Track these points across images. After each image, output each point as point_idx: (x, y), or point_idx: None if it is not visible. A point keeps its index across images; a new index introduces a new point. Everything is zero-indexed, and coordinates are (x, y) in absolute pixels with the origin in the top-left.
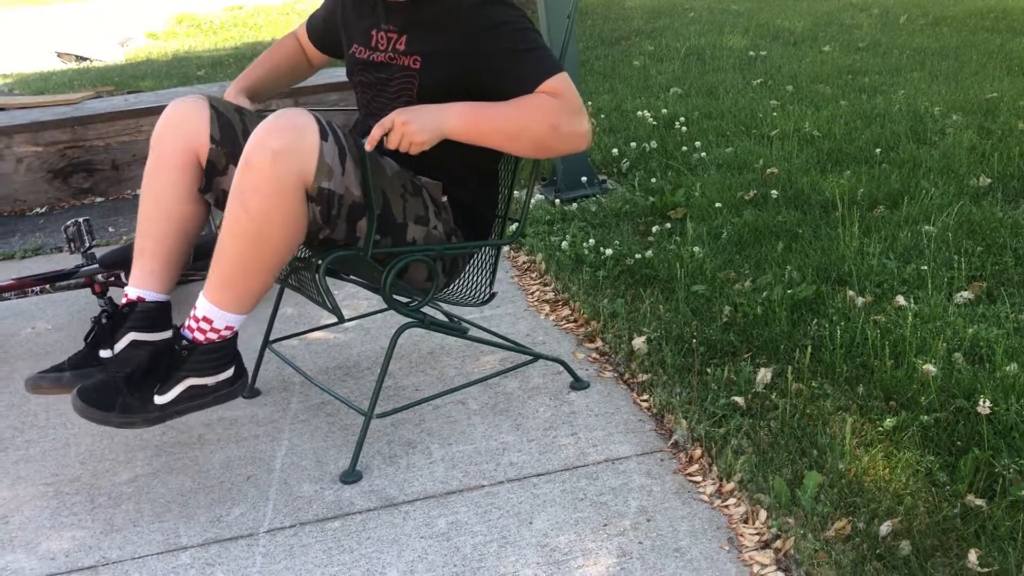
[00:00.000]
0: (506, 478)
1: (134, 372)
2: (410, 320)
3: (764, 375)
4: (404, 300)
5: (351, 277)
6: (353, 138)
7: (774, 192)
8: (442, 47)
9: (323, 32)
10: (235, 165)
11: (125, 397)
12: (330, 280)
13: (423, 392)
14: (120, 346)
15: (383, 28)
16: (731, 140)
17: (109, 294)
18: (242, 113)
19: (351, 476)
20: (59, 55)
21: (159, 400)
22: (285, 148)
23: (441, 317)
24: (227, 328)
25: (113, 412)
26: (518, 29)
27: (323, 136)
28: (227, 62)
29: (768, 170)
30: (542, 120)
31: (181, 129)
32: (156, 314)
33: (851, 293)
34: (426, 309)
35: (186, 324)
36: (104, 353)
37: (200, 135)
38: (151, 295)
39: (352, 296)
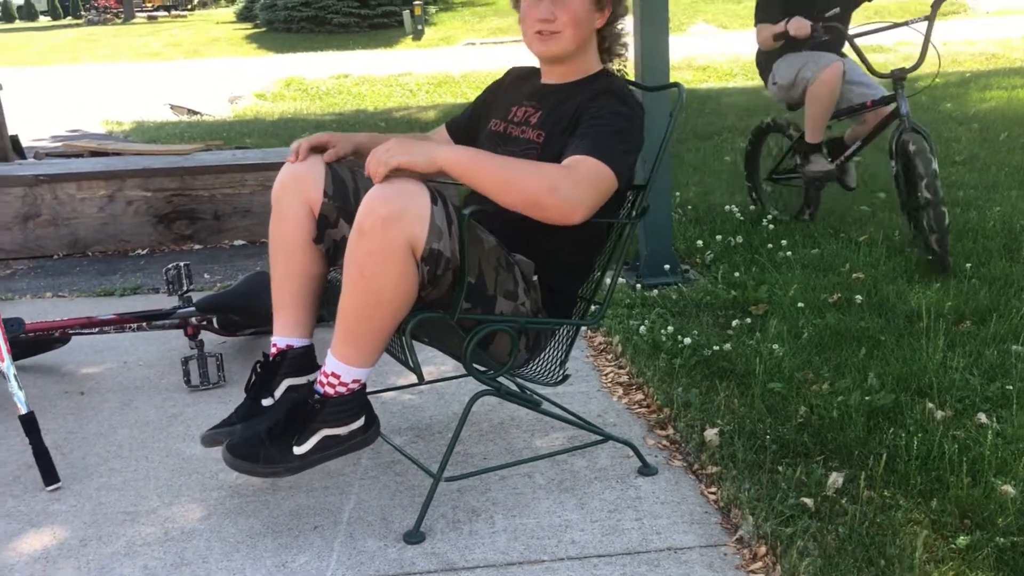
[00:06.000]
0: (567, 555)
1: (275, 425)
2: (486, 388)
3: (836, 479)
4: (481, 369)
5: (432, 342)
6: (455, 205)
7: (858, 297)
8: (563, 119)
9: (467, 122)
10: (345, 220)
11: (268, 449)
12: (415, 344)
13: (491, 461)
14: (279, 392)
15: (524, 104)
16: (818, 242)
17: (201, 337)
18: (355, 173)
19: (415, 536)
20: (172, 107)
21: (297, 451)
22: (393, 214)
23: (514, 389)
24: (354, 381)
25: (259, 463)
26: (612, 115)
27: (433, 200)
28: (330, 126)
29: (854, 275)
30: (540, 179)
31: (298, 185)
32: (304, 359)
33: (931, 405)
34: (501, 380)
35: (317, 379)
36: (266, 401)
37: (315, 190)
38: (297, 342)
39: (430, 360)
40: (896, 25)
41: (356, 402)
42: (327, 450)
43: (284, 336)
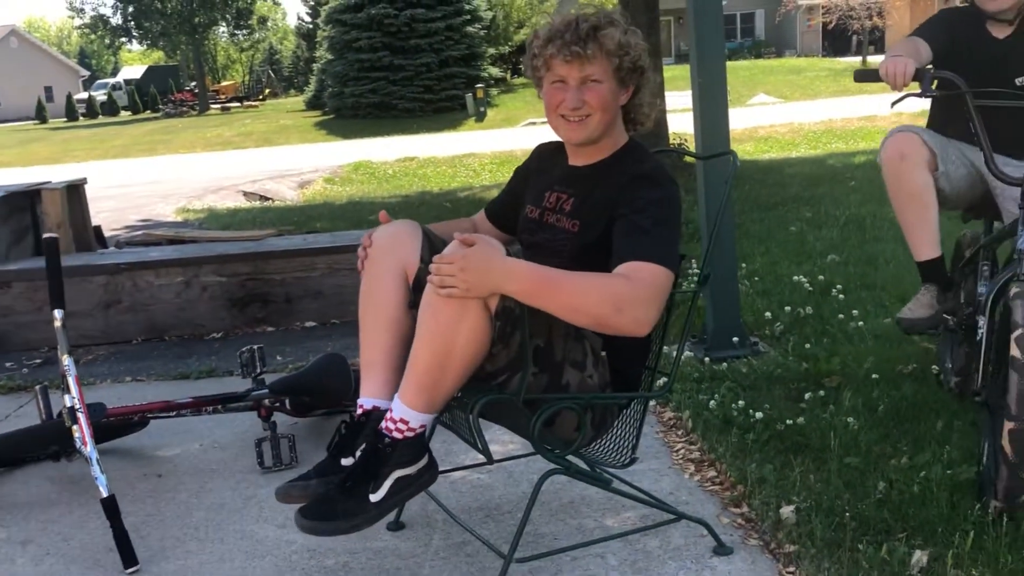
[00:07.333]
0: None
1: (346, 480)
2: (555, 467)
3: (920, 558)
4: (550, 448)
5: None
6: None
7: (935, 367)
8: (598, 206)
9: (503, 208)
10: None
11: (344, 503)
12: (481, 421)
13: (561, 542)
14: (360, 453)
15: (556, 189)
16: (890, 311)
17: (274, 418)
18: (446, 243)
19: None
20: (245, 194)
21: (374, 498)
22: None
23: (584, 467)
24: (420, 427)
25: (339, 520)
26: (653, 204)
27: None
28: (396, 208)
29: (927, 344)
30: (606, 300)
31: (396, 249)
32: None
33: None
34: (570, 459)
35: (383, 426)
36: (345, 461)
37: (412, 255)
38: (384, 404)
39: (497, 437)
40: None
41: (421, 443)
42: (401, 492)
43: (371, 397)
